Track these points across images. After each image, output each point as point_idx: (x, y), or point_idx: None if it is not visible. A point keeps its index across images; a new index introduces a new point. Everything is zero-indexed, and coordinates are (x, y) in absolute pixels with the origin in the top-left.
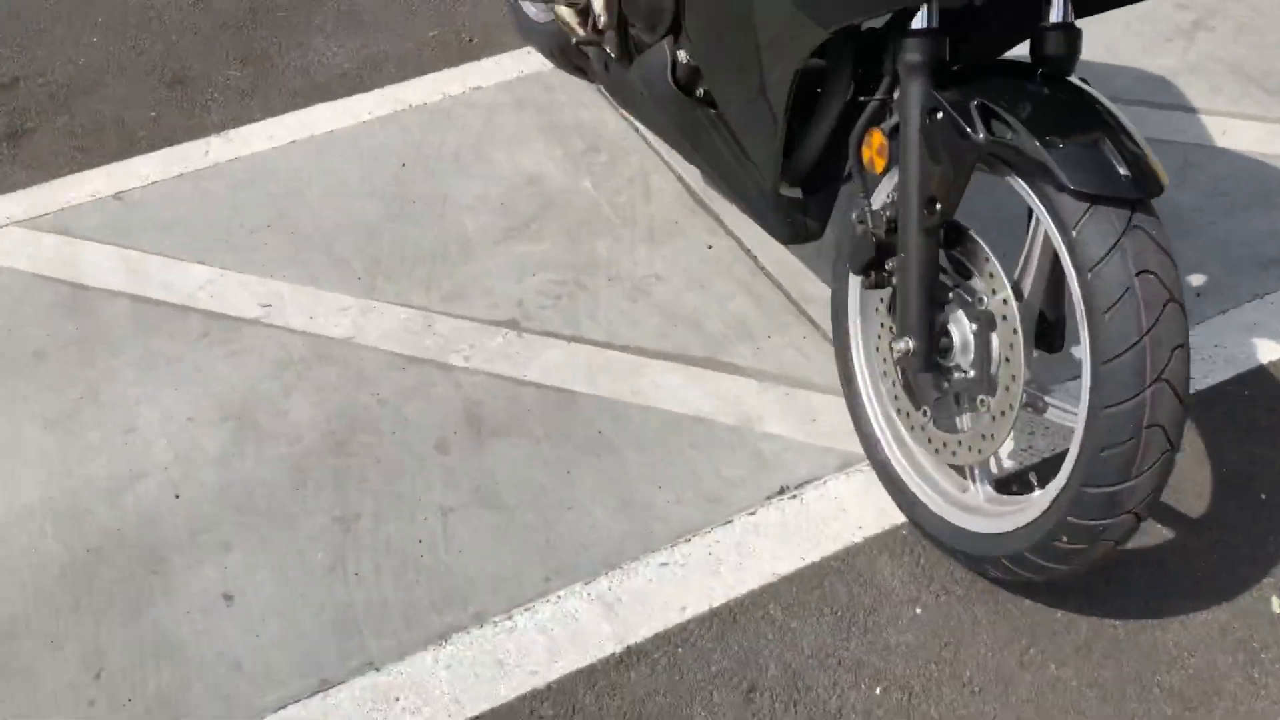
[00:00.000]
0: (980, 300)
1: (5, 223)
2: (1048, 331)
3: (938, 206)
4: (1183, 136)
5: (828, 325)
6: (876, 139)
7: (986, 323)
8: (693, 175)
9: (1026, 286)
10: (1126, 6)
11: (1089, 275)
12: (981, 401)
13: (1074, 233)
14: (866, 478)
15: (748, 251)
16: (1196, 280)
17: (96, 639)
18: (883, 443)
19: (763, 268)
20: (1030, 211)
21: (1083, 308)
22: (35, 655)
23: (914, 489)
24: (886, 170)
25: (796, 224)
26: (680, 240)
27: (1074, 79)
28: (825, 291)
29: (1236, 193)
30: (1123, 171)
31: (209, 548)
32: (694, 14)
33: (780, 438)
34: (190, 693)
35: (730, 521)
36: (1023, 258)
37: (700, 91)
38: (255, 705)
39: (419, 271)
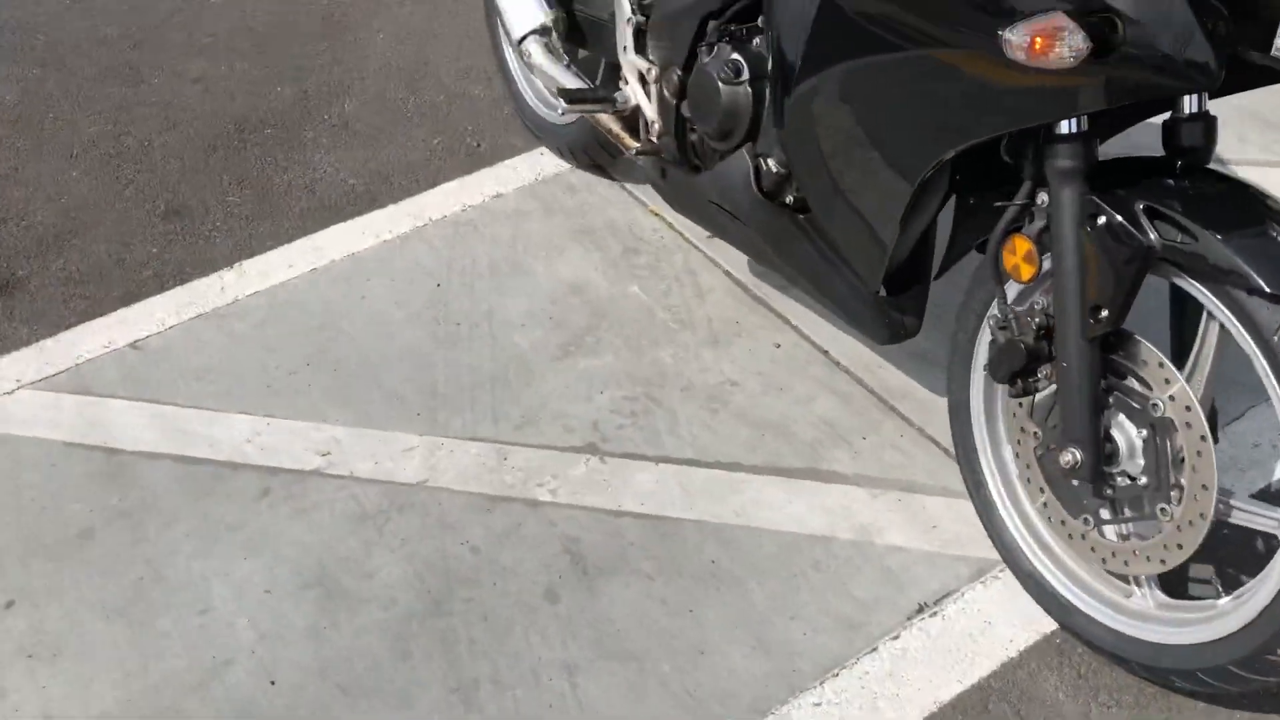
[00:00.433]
0: (1155, 406)
1: (15, 386)
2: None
3: (1103, 314)
4: None
5: (920, 420)
6: (1022, 246)
7: (1162, 428)
8: (741, 269)
9: (1199, 389)
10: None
11: None
12: (1163, 510)
13: (1276, 338)
14: (1004, 585)
15: (818, 347)
16: None
17: None
18: (1027, 551)
19: (837, 363)
20: (1173, 301)
21: None
22: None
23: (1069, 597)
24: (1036, 277)
25: (894, 323)
26: (746, 341)
27: (1214, 167)
28: (908, 383)
29: None
30: None
31: None
32: (793, 122)
33: (904, 549)
34: None
35: (875, 649)
36: (1192, 359)
37: (789, 198)
38: None
39: (481, 400)
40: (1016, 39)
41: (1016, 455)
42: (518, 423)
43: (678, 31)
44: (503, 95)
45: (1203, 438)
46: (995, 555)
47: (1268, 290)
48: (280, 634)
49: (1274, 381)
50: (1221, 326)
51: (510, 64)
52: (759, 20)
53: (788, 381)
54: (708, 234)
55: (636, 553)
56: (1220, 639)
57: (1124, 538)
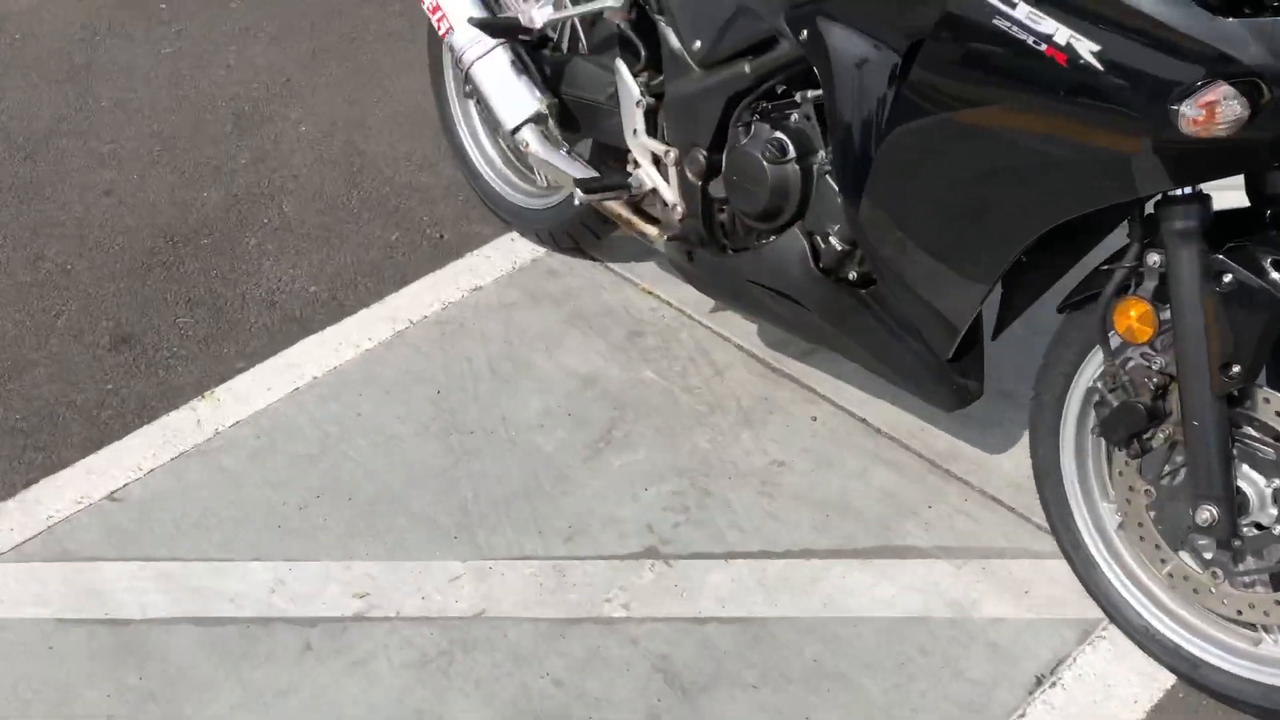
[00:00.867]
0: None
1: None
2: None
3: (1235, 369)
4: None
5: (979, 481)
6: (1138, 308)
7: None
8: (754, 343)
9: None
10: None
11: None
12: None
13: None
14: (1111, 644)
15: (855, 416)
16: None
17: None
18: (1137, 607)
19: (879, 430)
20: None
21: None
22: None
23: (1194, 650)
24: (1154, 339)
25: (960, 389)
26: (780, 417)
27: None
28: (954, 444)
29: None
30: None
31: None
32: (868, 198)
33: (1004, 620)
34: None
35: None
36: None
37: (851, 274)
38: None
39: (519, 512)
40: (1191, 112)
41: (1125, 515)
42: (565, 534)
43: (701, 112)
44: (453, 181)
45: None
46: (1093, 614)
47: None
48: None
49: None
50: None
51: (469, 151)
52: (796, 96)
53: (836, 455)
54: (711, 309)
55: (733, 661)
56: None
57: (1249, 586)
